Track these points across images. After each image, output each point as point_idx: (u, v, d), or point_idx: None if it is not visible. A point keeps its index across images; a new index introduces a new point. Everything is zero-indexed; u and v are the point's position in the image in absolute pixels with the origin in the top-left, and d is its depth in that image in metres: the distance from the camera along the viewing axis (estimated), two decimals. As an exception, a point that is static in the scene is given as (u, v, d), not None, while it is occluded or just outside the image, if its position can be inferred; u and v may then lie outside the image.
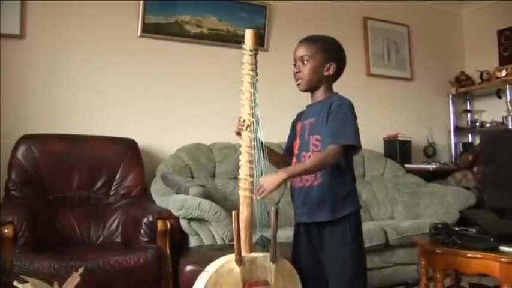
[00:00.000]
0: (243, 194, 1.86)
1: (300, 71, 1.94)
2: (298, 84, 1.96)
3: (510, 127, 4.79)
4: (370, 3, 4.98)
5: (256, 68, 1.92)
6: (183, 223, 2.94)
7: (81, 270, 2.13)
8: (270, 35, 4.37)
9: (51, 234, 2.89)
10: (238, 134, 1.92)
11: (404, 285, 3.50)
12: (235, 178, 3.65)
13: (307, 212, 1.90)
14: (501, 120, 5.02)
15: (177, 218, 2.89)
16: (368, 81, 4.93)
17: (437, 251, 2.42)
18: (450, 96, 5.44)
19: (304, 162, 1.87)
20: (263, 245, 1.94)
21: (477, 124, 5.31)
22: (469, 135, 5.54)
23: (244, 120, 1.89)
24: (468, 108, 5.56)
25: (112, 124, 3.59)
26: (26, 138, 3.12)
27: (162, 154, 3.75)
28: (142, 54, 3.81)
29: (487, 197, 3.11)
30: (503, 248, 2.22)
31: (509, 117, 4.83)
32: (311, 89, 1.97)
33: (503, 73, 4.94)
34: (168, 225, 2.78)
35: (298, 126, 2.00)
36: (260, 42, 4.17)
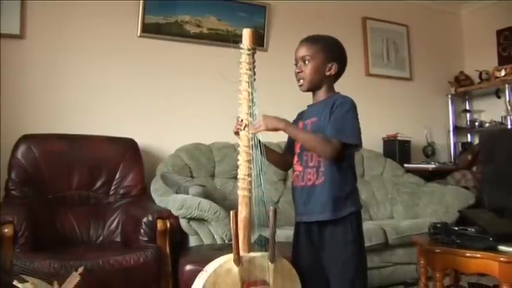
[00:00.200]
0: (241, 193, 1.87)
1: (301, 71, 1.94)
2: (300, 85, 1.96)
3: (509, 127, 4.80)
4: (370, 3, 4.98)
5: (254, 67, 1.92)
6: (183, 223, 2.94)
7: (81, 269, 2.13)
8: (269, 35, 4.37)
9: (51, 234, 2.89)
10: (237, 133, 1.93)
11: (403, 284, 3.50)
12: (235, 178, 3.64)
13: (309, 211, 1.90)
14: (500, 120, 5.03)
15: (176, 218, 2.89)
16: (367, 81, 4.93)
17: (437, 250, 2.42)
18: (449, 96, 5.45)
19: (305, 131, 1.87)
20: (262, 244, 1.94)
21: (476, 124, 5.32)
22: (468, 135, 5.54)
23: (242, 120, 1.90)
24: (467, 108, 5.57)
25: (112, 124, 3.59)
26: (26, 138, 3.12)
27: (161, 154, 3.76)
28: (142, 54, 3.81)
29: (486, 196, 3.11)
30: (502, 248, 2.22)
31: (508, 117, 4.84)
32: (313, 89, 1.98)
33: (502, 73, 4.95)
34: (168, 225, 2.79)
35: (300, 125, 2.00)
36: (259, 42, 4.18)
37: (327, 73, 1.94)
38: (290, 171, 2.16)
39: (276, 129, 1.84)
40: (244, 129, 1.88)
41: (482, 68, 5.23)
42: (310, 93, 2.01)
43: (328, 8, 4.70)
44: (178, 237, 2.96)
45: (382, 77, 5.05)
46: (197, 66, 4.02)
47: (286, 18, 4.44)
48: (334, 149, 1.79)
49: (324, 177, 1.86)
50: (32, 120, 3.35)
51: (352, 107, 1.86)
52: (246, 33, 1.92)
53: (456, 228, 2.52)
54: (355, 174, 1.96)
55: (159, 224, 2.76)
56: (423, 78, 5.36)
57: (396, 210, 4.20)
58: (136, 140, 3.49)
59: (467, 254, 2.28)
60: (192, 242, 3.00)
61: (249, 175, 1.86)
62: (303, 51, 1.94)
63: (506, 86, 4.84)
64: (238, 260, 1.79)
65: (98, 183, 3.26)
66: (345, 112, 1.84)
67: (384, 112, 4.96)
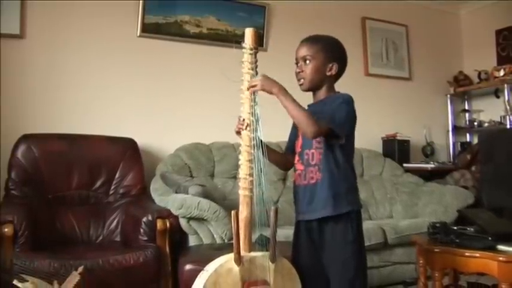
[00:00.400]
0: (242, 193, 1.87)
1: (302, 71, 1.95)
2: (300, 84, 1.97)
3: (508, 126, 4.81)
4: (369, 3, 4.99)
5: (256, 66, 1.92)
6: (183, 222, 2.94)
7: (80, 269, 2.13)
8: (269, 35, 4.37)
9: (51, 233, 2.90)
10: (238, 133, 1.93)
11: (402, 284, 3.51)
12: (234, 177, 3.66)
13: (312, 209, 1.90)
14: (499, 120, 5.04)
15: (176, 217, 2.89)
16: (366, 80, 4.94)
17: (436, 250, 2.43)
18: (448, 95, 5.46)
19: (296, 104, 1.83)
20: (262, 244, 1.94)
21: (475, 123, 5.33)
22: (467, 135, 5.55)
23: (244, 120, 1.90)
24: (466, 107, 5.58)
25: (111, 124, 3.59)
26: (26, 138, 3.12)
27: (161, 153, 3.76)
28: (141, 54, 3.81)
29: (485, 196, 3.12)
30: (501, 247, 2.23)
31: (507, 117, 4.84)
32: (313, 88, 1.98)
33: (501, 73, 4.96)
34: (168, 224, 2.79)
35: None
36: (259, 42, 4.16)
37: (328, 73, 1.94)
38: (290, 171, 2.16)
39: (269, 92, 1.84)
40: (246, 128, 1.88)
41: (481, 67, 5.24)
42: (311, 93, 2.02)
43: (327, 8, 4.71)
44: (178, 237, 2.97)
45: (381, 77, 5.05)
46: (197, 66, 4.02)
47: (285, 18, 4.45)
48: (318, 131, 1.79)
49: (322, 174, 1.86)
50: (32, 120, 3.35)
51: (346, 100, 1.87)
52: (249, 33, 1.92)
53: (455, 227, 2.52)
54: (354, 171, 1.96)
55: (159, 224, 2.76)
56: (422, 78, 5.37)
57: (395, 209, 4.21)
58: (136, 139, 3.49)
59: (467, 254, 2.29)
60: (192, 241, 3.01)
61: (251, 175, 1.86)
62: (304, 51, 1.94)
63: (505, 85, 4.85)
64: (239, 260, 1.79)
65: (98, 183, 3.26)
66: (339, 103, 1.86)
67: (383, 112, 4.97)
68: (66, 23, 3.55)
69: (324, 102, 1.94)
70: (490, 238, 2.29)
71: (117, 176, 3.31)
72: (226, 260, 1.80)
